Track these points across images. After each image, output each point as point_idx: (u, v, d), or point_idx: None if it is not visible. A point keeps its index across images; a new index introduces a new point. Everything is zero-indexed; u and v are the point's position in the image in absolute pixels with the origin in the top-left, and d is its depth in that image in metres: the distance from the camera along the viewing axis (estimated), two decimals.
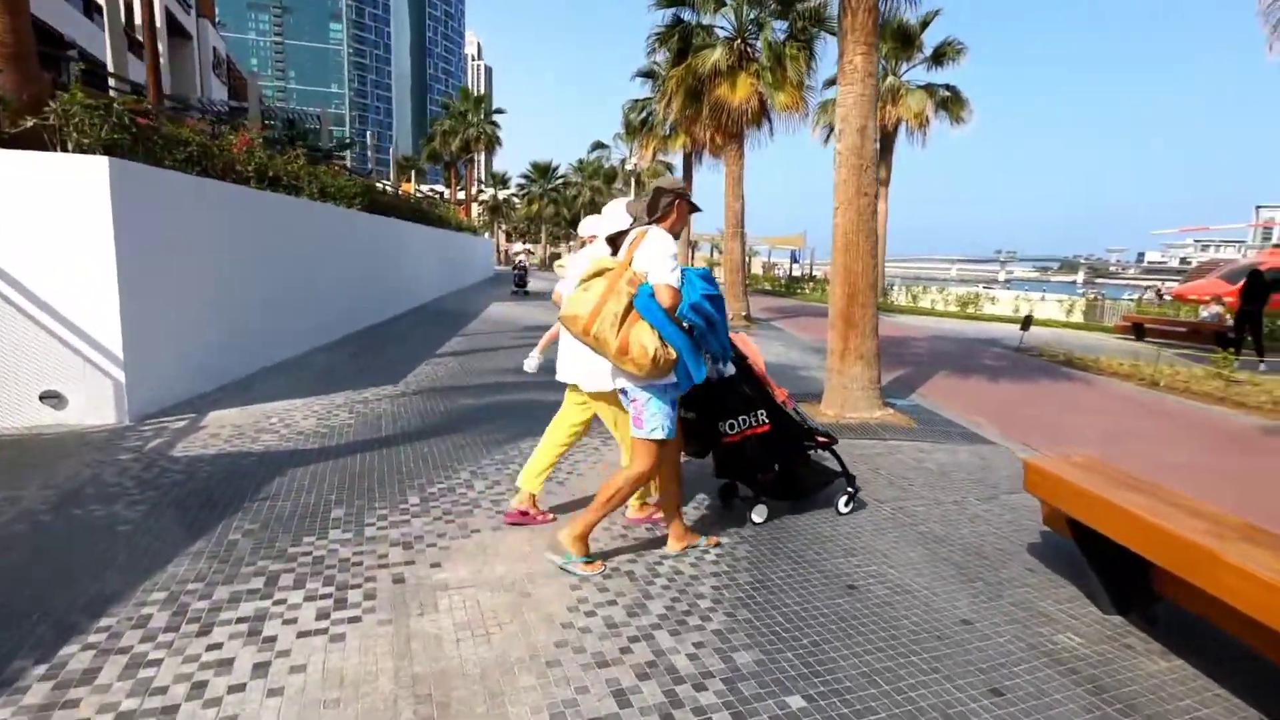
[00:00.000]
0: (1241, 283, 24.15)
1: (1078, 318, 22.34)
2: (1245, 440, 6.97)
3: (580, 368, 3.37)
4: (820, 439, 4.00)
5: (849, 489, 4.14)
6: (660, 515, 3.73)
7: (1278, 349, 14.54)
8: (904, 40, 22.83)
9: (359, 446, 4.95)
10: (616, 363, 2.88)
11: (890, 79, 22.99)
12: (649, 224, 3.08)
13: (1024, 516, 4.25)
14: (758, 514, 3.88)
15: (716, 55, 13.77)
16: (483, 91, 43.51)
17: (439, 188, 49.41)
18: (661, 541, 3.55)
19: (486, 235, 45.53)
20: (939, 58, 22.75)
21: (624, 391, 3.08)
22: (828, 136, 25.12)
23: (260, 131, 10.06)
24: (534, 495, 3.71)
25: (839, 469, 4.18)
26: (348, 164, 18.55)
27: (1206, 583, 2.22)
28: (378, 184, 16.94)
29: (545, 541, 3.46)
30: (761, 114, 15.03)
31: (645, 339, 2.80)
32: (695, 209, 3.36)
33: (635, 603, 2.94)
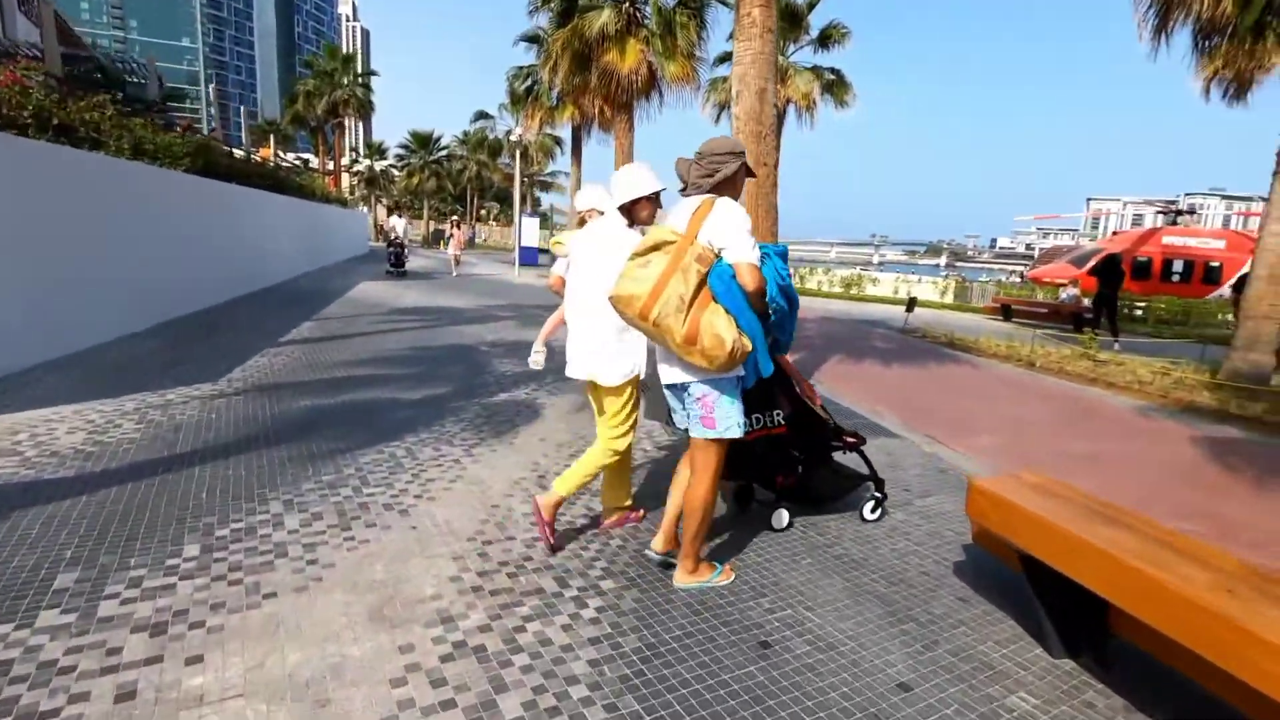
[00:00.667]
0: (1088, 265, 26.48)
1: (950, 299, 23.49)
2: (1129, 424, 7.07)
3: (598, 361, 3.05)
4: (848, 439, 3.65)
5: (876, 494, 3.78)
6: (638, 516, 3.54)
7: (1130, 329, 15.72)
8: (792, 20, 22.76)
9: (135, 472, 3.78)
10: (680, 353, 2.49)
11: (779, 59, 22.90)
12: (708, 191, 2.67)
13: (943, 526, 3.80)
14: (777, 520, 3.54)
15: (604, 18, 12.86)
16: (359, 56, 39.94)
17: (309, 156, 45.34)
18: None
19: (363, 209, 42.28)
20: (825, 40, 22.88)
21: (680, 387, 2.71)
22: (718, 115, 24.84)
23: (36, 68, 8.16)
24: (563, 498, 3.17)
25: (866, 472, 3.82)
26: (199, 125, 16.14)
27: (1225, 658, 1.71)
28: (222, 146, 14.78)
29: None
30: (651, 84, 14.30)
31: (721, 327, 2.41)
32: (751, 174, 2.89)
33: (483, 699, 2.13)
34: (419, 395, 5.89)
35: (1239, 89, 17.77)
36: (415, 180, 44.27)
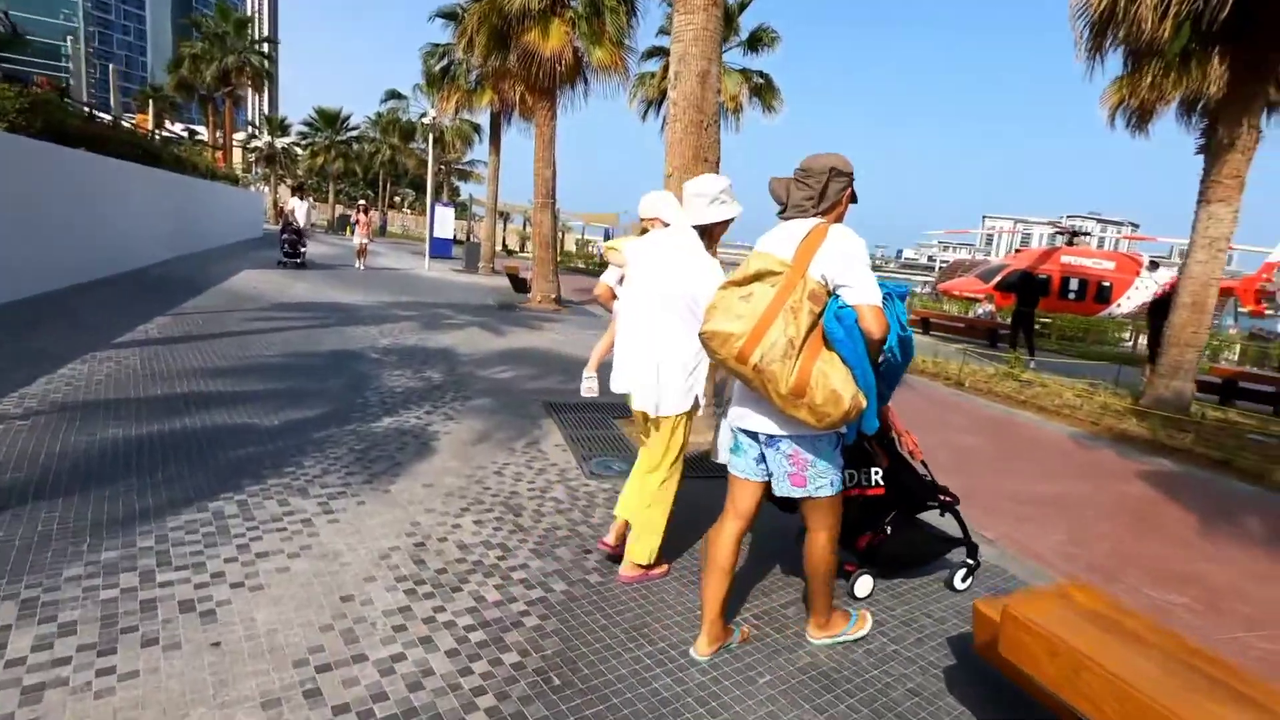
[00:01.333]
0: (995, 280, 27.51)
1: None
2: (1074, 457, 6.76)
3: (653, 389, 2.77)
4: (945, 498, 3.26)
5: (968, 560, 3.35)
6: (660, 572, 3.11)
7: (1038, 345, 16.08)
8: (723, 18, 22.31)
9: None
10: (782, 405, 2.15)
11: None
12: (815, 214, 2.34)
13: (918, 610, 3.11)
14: (860, 587, 3.12)
15: None
16: (265, 24, 36.71)
17: (201, 129, 41.48)
18: None
19: (261, 188, 38.98)
20: (755, 43, 22.54)
21: (766, 439, 2.36)
22: (646, 111, 24.13)
23: None
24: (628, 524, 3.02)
25: (958, 534, 3.38)
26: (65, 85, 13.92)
27: None
28: (77, 106, 12.71)
29: None
30: (577, 70, 13.33)
31: (837, 381, 2.10)
32: (855, 199, 2.51)
33: None
34: (279, 420, 4.76)
35: (1141, 119, 18.73)
36: (320, 160, 41.22)
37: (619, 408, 6.15)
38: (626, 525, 3.09)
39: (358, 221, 17.60)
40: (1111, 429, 7.68)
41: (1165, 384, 8.47)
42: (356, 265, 17.30)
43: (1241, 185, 8.05)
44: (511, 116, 21.53)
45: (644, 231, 3.09)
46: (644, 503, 2.93)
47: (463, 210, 58.68)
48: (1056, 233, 28.72)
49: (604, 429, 5.51)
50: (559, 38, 12.23)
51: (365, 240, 17.57)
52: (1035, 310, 13.51)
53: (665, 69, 23.19)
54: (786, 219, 2.38)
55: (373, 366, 6.84)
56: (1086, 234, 28.19)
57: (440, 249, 24.92)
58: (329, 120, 41.91)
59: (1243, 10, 7.09)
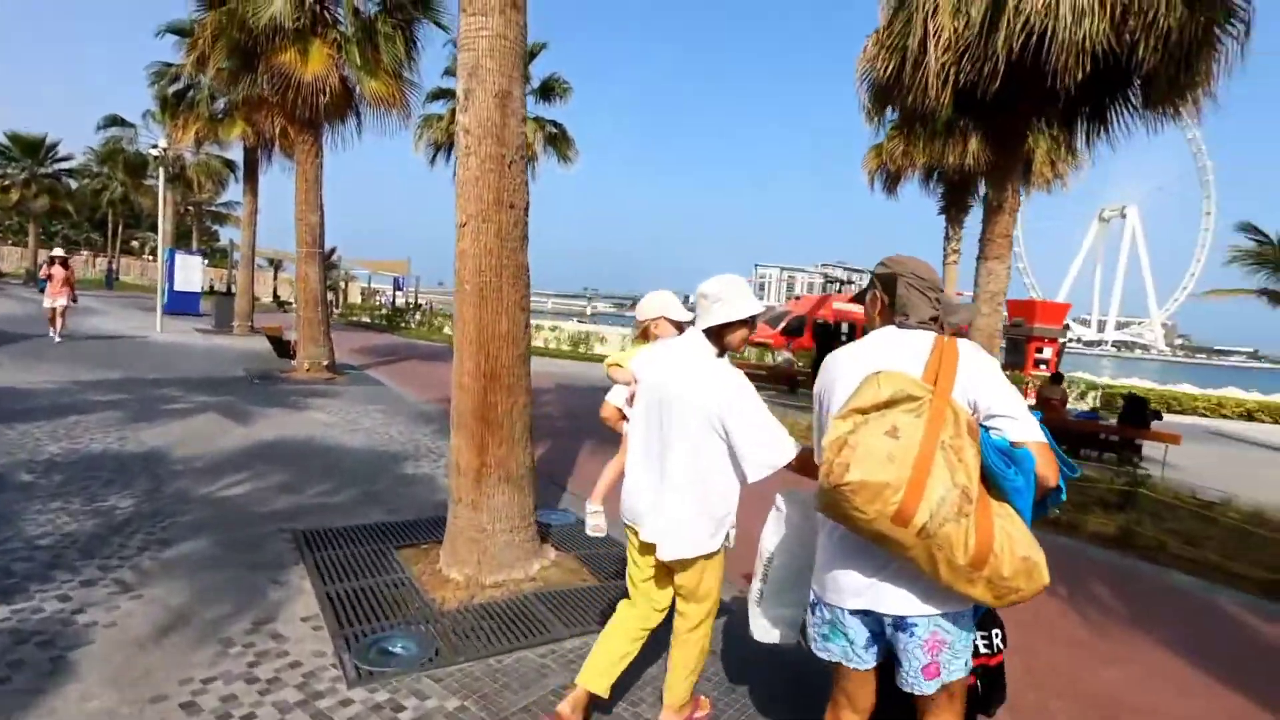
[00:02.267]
0: (781, 326, 29.49)
1: None
2: None
3: (675, 529, 2.33)
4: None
5: None
6: (702, 716, 2.69)
7: None
8: (525, 32, 21.58)
9: None
10: (954, 580, 1.61)
11: None
12: (933, 325, 1.90)
13: None
14: None
15: (277, 6, 9.87)
16: None
17: None
18: None
19: None
20: (547, 92, 22.09)
21: (895, 621, 1.76)
22: (434, 156, 22.48)
23: None
24: (593, 696, 2.50)
25: None
26: None
27: None
28: None
29: None
30: (347, 102, 11.53)
31: (1027, 545, 1.62)
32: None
33: None
34: None
35: (892, 183, 21.13)
36: (14, 196, 33.19)
37: (419, 528, 4.59)
38: (590, 697, 2.51)
39: (48, 277, 13.44)
40: None
41: None
42: (51, 335, 13.21)
43: (1010, 243, 8.68)
44: (271, 152, 18.71)
45: (646, 335, 2.98)
46: (677, 646, 2.53)
47: (222, 258, 51.83)
48: (827, 281, 31.64)
49: (388, 571, 3.93)
50: (321, 62, 10.41)
51: (61, 302, 13.34)
52: None
53: (452, 111, 21.86)
54: (903, 326, 1.90)
55: (16, 498, 4.55)
56: (852, 281, 31.48)
57: (181, 304, 20.81)
58: (28, 148, 34.14)
59: (1010, 83, 7.60)
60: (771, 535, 2.37)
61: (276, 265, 58.13)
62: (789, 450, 2.22)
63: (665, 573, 2.47)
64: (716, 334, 2.39)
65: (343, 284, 51.89)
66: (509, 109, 3.78)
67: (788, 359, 17.22)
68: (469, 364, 3.87)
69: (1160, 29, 6.75)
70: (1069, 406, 11.65)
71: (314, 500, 5.18)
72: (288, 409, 8.65)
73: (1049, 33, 6.91)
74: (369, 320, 28.96)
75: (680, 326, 3.08)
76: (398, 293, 56.44)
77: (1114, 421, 11.07)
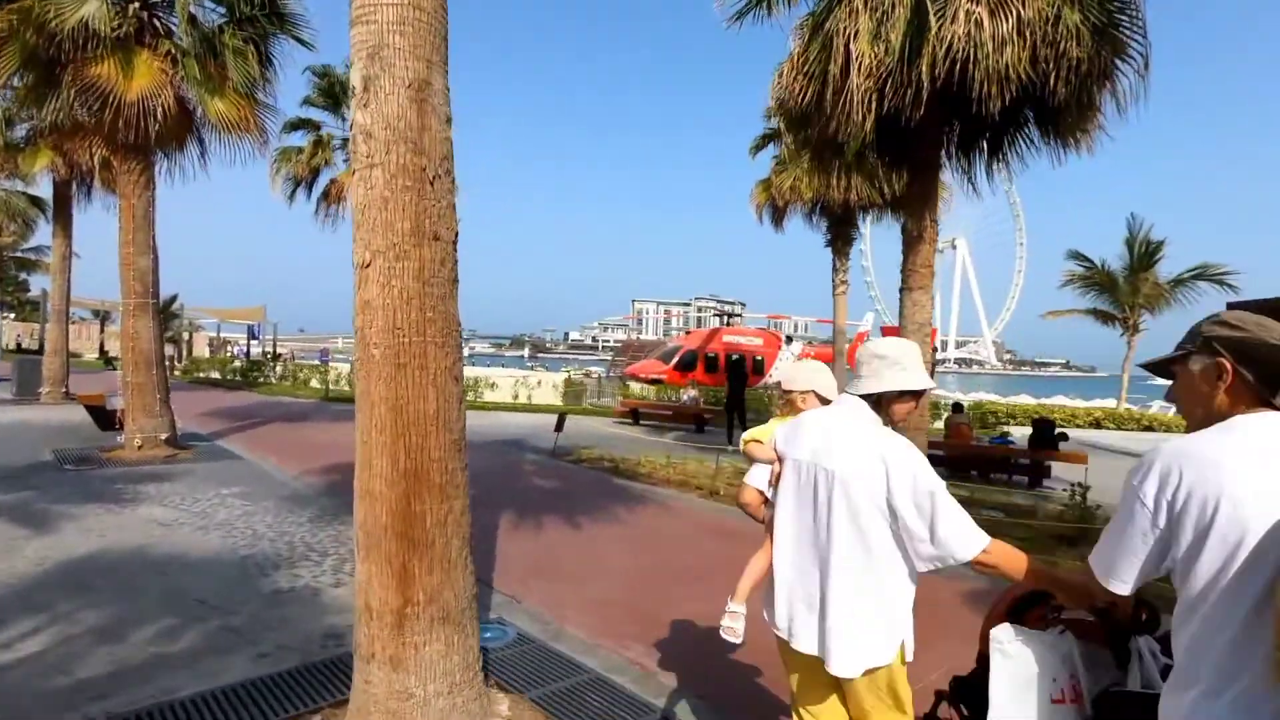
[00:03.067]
0: (673, 361, 29.23)
1: (562, 400, 22.46)
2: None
3: (839, 638, 1.95)
4: None
5: None
6: None
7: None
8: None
9: None
10: None
11: None
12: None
13: None
14: None
15: (91, 8, 8.13)
16: None
17: None
18: None
19: None
20: None
21: None
22: (293, 191, 20.32)
23: None
24: None
25: None
26: None
27: None
28: None
29: None
30: (186, 126, 9.78)
31: None
32: None
33: None
34: None
35: (778, 217, 21.53)
36: None
37: (307, 683, 3.27)
38: None
39: None
40: None
41: None
42: None
43: (933, 273, 8.53)
44: (90, 187, 16.02)
45: (792, 407, 2.61)
46: None
47: (33, 311, 45.35)
48: (715, 314, 31.90)
49: None
50: (148, 77, 8.68)
51: None
52: (744, 392, 13.58)
53: (315, 144, 19.88)
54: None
55: None
56: (739, 315, 31.94)
57: None
58: None
59: (932, 111, 7.43)
60: (1004, 689, 1.76)
61: (104, 317, 51.35)
62: (979, 540, 1.83)
63: (838, 696, 2.07)
64: (880, 403, 2.07)
65: (186, 336, 46.54)
66: (429, 105, 2.74)
67: (693, 396, 16.67)
68: (382, 461, 2.73)
69: (1071, 59, 6.82)
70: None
71: (146, 653, 3.69)
72: (112, 505, 6.78)
73: (970, 60, 6.80)
74: (219, 377, 25.59)
75: (827, 404, 2.58)
76: (252, 342, 51.58)
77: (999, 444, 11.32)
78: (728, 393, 13.56)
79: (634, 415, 16.98)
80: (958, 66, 6.83)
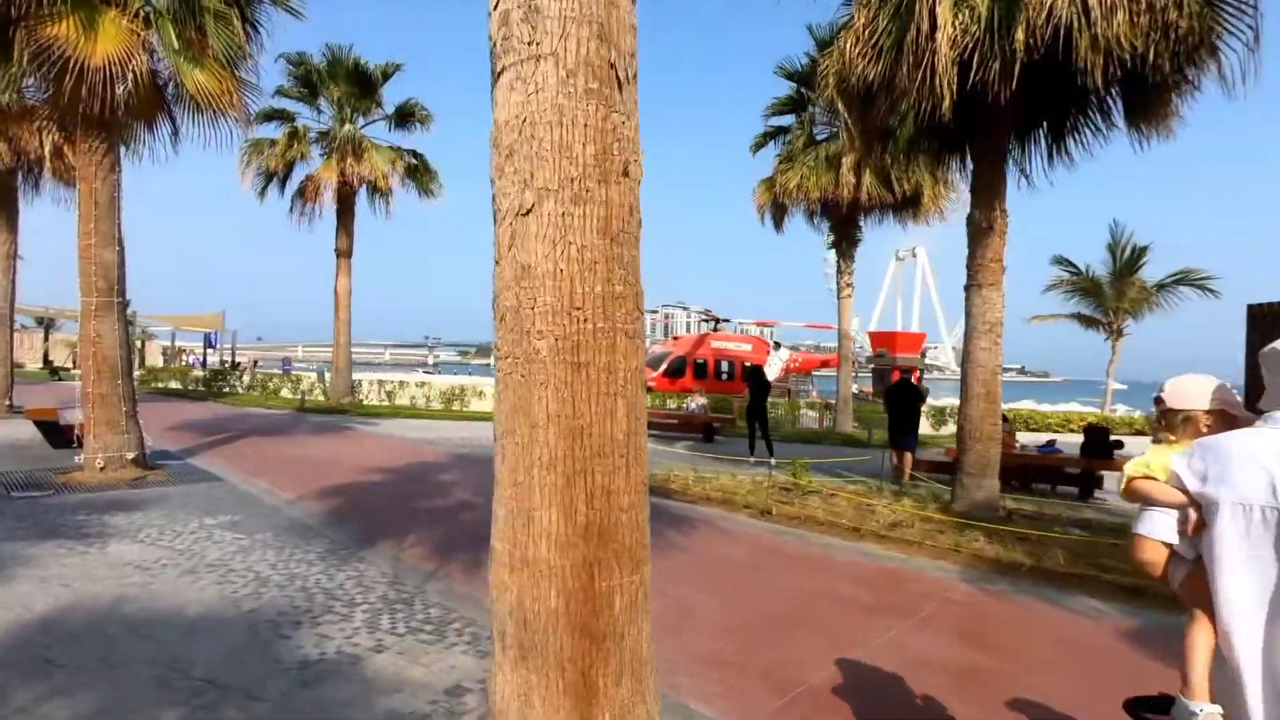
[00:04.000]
0: (662, 368, 28.36)
1: None
2: (993, 615, 4.92)
3: None
4: None
5: None
6: None
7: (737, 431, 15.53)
8: (363, 85, 18.83)
9: None
10: None
11: (348, 127, 18.54)
12: None
13: None
14: None
15: None
16: None
17: None
18: None
19: None
20: (405, 118, 19.53)
21: None
22: (265, 187, 18.95)
23: None
24: None
25: None
26: None
27: None
28: None
29: None
30: (157, 101, 8.61)
31: None
32: None
33: None
34: None
35: (779, 217, 20.86)
36: None
37: None
38: None
39: None
40: (967, 555, 6.29)
41: (976, 484, 7.65)
42: None
43: (1003, 267, 7.82)
44: (40, 178, 14.51)
45: (1186, 429, 1.86)
46: None
47: None
48: (702, 320, 31.17)
49: None
50: (117, 39, 7.52)
51: None
52: (765, 403, 12.73)
53: (290, 137, 18.53)
54: None
55: None
56: (727, 320, 31.26)
57: None
58: None
59: (1029, 85, 6.70)
60: None
61: (48, 325, 48.47)
62: None
63: None
64: None
65: (139, 344, 44.16)
66: None
67: (701, 405, 15.80)
68: (550, 513, 1.78)
69: (1174, 28, 6.16)
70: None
71: None
72: (74, 543, 5.59)
73: (1073, 29, 6.09)
74: (180, 387, 23.85)
75: (1237, 422, 1.80)
76: (209, 351, 49.20)
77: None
78: (749, 402, 12.67)
79: None
80: (1060, 36, 6.12)
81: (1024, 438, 25.17)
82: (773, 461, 11.94)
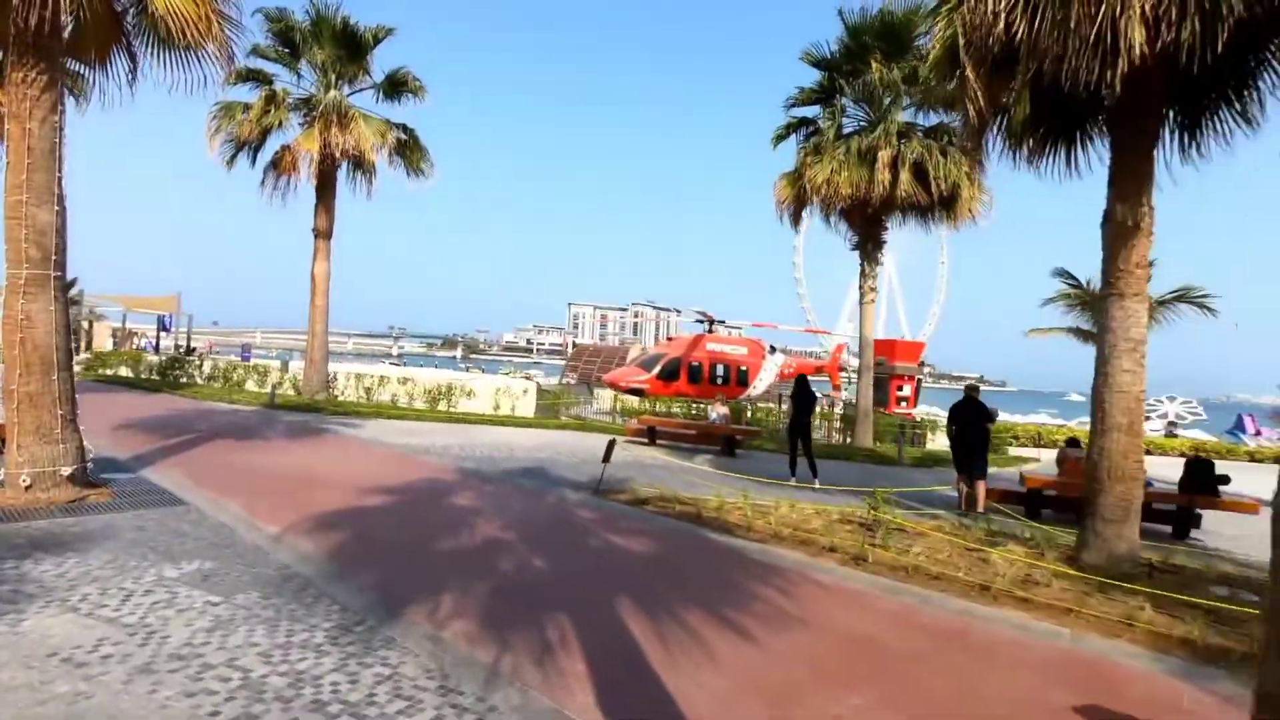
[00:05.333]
0: (657, 369, 26.93)
1: (533, 412, 19.58)
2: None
3: None
4: None
5: None
6: None
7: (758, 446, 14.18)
8: (351, 48, 17.01)
9: None
10: None
11: (333, 93, 16.70)
12: None
13: None
14: None
15: None
16: None
17: None
18: None
19: None
20: (396, 87, 17.75)
21: None
22: (234, 156, 17.00)
23: None
24: None
25: None
26: None
27: None
28: None
29: None
30: (113, 26, 6.91)
31: None
32: None
33: None
34: None
35: (796, 214, 19.62)
36: None
37: None
38: None
39: None
40: (1125, 624, 5.04)
41: (1115, 533, 6.42)
42: None
43: (1149, 274, 6.61)
44: None
45: None
46: None
47: None
48: (697, 320, 29.83)
49: None
50: None
51: None
52: (810, 418, 11.38)
53: (268, 101, 16.56)
54: None
55: None
56: (722, 321, 29.95)
57: None
58: None
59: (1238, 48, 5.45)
60: None
61: None
62: None
63: None
64: None
65: (86, 325, 41.10)
66: None
67: (722, 414, 14.43)
68: None
69: None
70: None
71: None
72: None
73: None
74: (132, 375, 21.60)
75: None
76: (162, 335, 46.30)
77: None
78: (790, 417, 11.26)
79: (650, 434, 14.59)
80: None
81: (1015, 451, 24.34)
82: (816, 484, 10.66)
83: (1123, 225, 6.56)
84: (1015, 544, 7.23)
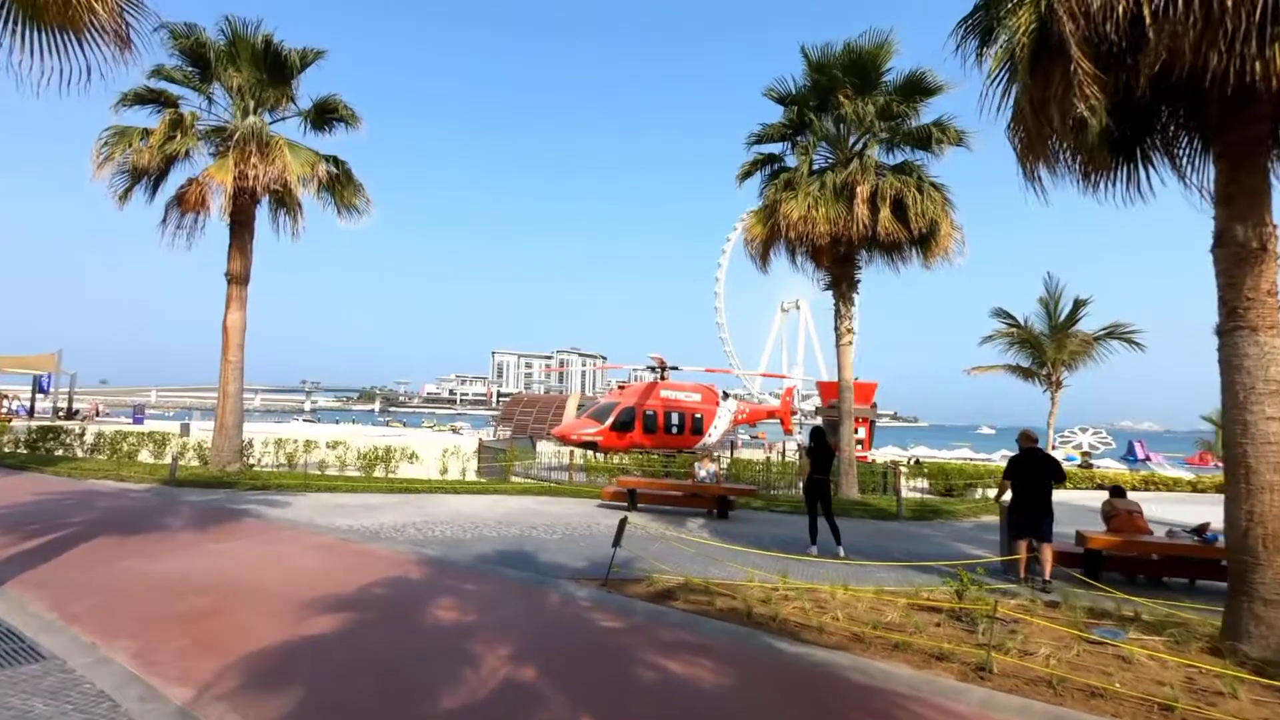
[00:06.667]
0: (609, 420, 25.24)
1: (472, 475, 17.52)
2: None
3: None
4: None
5: None
6: None
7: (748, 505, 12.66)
8: (274, 71, 15.07)
9: None
10: None
11: (252, 119, 14.66)
12: None
13: None
14: None
15: None
16: None
17: None
18: None
19: None
20: (324, 114, 15.88)
21: None
22: (128, 189, 14.58)
23: None
24: None
25: None
26: None
27: None
28: None
29: None
30: None
31: None
32: None
33: None
34: None
35: (765, 254, 18.72)
36: None
37: None
38: None
39: None
40: None
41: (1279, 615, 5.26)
42: None
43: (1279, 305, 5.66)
44: None
45: None
46: None
47: None
48: (648, 368, 28.48)
49: None
50: None
51: None
52: (829, 475, 9.97)
53: (173, 125, 14.30)
54: None
55: None
56: (675, 368, 28.68)
57: None
58: None
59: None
60: None
61: None
62: None
63: None
64: None
65: None
66: None
67: (712, 472, 12.89)
68: None
69: None
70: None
71: None
72: None
73: None
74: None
75: None
76: (39, 397, 41.37)
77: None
78: (807, 475, 9.79)
79: (630, 498, 12.88)
80: None
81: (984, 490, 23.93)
82: (841, 553, 9.25)
83: (1244, 248, 5.62)
84: (1134, 629, 6.01)
